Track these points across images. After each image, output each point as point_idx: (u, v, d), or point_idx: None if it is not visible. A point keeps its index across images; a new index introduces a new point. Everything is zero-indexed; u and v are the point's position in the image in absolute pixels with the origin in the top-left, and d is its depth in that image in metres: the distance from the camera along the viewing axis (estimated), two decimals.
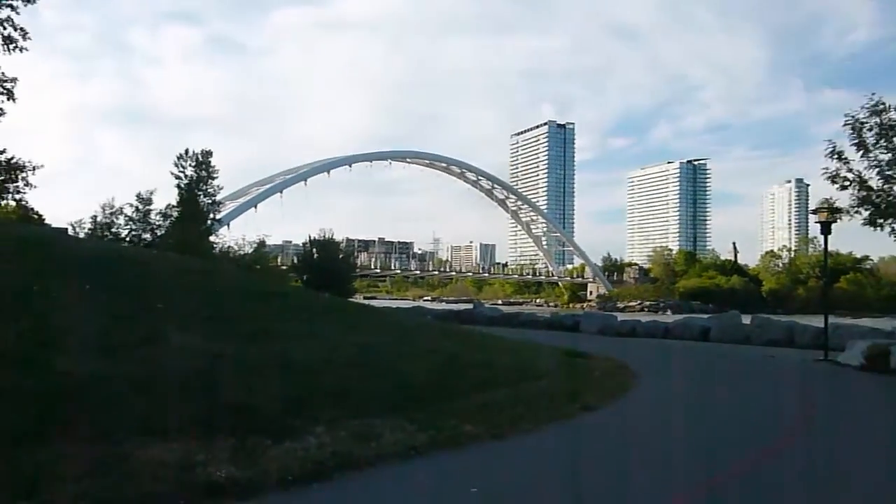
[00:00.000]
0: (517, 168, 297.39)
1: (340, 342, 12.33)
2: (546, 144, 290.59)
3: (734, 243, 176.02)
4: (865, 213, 20.36)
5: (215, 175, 49.77)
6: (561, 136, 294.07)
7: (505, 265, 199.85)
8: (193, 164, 49.73)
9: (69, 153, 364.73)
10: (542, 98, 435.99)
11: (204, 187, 49.77)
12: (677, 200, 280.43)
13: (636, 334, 32.57)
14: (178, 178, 48.59)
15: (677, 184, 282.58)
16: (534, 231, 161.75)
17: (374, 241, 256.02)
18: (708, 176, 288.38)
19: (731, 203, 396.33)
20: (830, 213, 21.50)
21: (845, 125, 20.12)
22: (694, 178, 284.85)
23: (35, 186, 31.35)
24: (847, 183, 20.33)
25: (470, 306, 46.55)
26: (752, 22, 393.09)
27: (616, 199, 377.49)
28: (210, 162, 49.77)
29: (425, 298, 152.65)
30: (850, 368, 18.92)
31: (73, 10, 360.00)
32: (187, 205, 48.22)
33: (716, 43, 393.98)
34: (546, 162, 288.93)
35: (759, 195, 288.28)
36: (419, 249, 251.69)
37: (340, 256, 52.87)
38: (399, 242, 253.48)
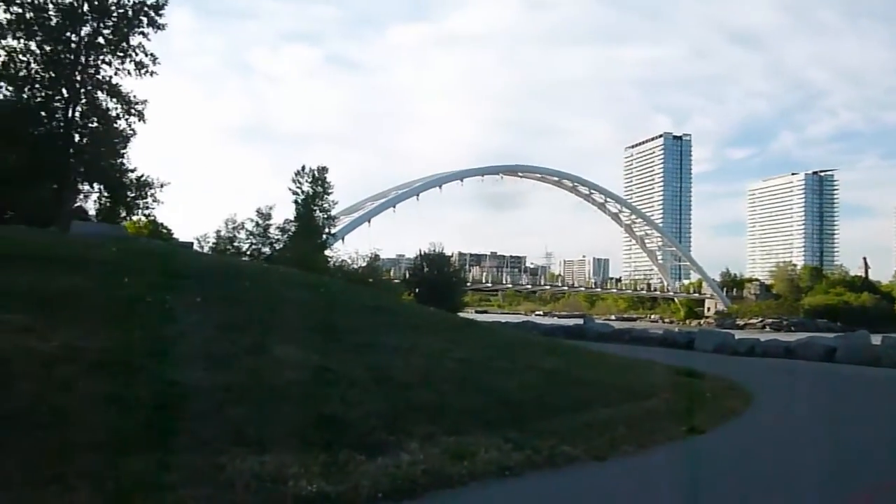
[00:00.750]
0: (631, 181, 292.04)
1: (442, 357, 12.28)
2: (661, 157, 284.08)
3: (865, 258, 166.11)
4: None
5: (330, 191, 51.49)
6: (677, 148, 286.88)
7: (618, 280, 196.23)
8: (310, 180, 51.58)
9: (197, 170, 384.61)
10: (658, 109, 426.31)
11: (319, 202, 51.48)
12: (802, 213, 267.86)
13: (755, 353, 31.11)
14: (295, 193, 50.56)
15: (802, 196, 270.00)
16: (648, 245, 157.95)
17: (487, 256, 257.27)
18: (836, 188, 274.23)
19: (862, 215, 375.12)
20: None
21: None
22: (820, 190, 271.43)
23: (163, 203, 33.19)
24: None
25: (580, 321, 45.74)
26: (881, 22, 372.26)
27: (735, 212, 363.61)
28: (325, 178, 51.50)
29: (537, 313, 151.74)
30: None
31: (201, 34, 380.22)
32: (303, 220, 49.97)
33: (842, 46, 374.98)
34: (661, 175, 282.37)
35: (892, 206, 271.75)
36: (531, 264, 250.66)
37: (450, 270, 53.08)
38: (511, 257, 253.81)
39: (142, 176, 32.45)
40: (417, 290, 50.73)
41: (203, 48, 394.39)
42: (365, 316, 14.38)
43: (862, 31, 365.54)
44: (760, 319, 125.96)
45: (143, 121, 31.23)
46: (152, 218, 39.47)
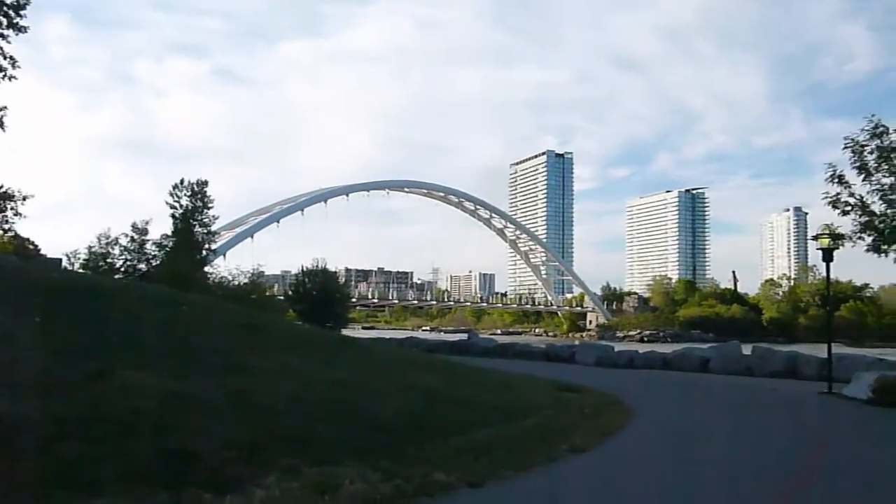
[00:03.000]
0: (516, 197, 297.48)
1: (313, 378, 11.47)
2: (545, 174, 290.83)
3: (734, 272, 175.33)
4: (868, 239, 19.56)
5: (210, 205, 49.14)
6: (559, 166, 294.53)
7: (504, 294, 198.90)
8: (189, 193, 49.30)
9: (76, 185, 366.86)
10: (545, 129, 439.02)
11: (199, 217, 49.28)
12: (676, 229, 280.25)
13: (634, 366, 31.65)
14: (172, 207, 48.13)
15: (676, 212, 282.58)
16: (532, 260, 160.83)
17: (374, 271, 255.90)
18: (707, 205, 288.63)
19: (731, 232, 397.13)
20: (832, 240, 20.75)
21: (845, 148, 19.44)
22: (693, 207, 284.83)
23: (24, 216, 30.73)
24: (848, 208, 19.57)
25: (465, 337, 45.52)
26: (752, 53, 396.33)
27: (617, 228, 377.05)
28: (205, 192, 49.15)
29: (424, 328, 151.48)
30: (858, 402, 18.01)
31: (81, 44, 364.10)
32: (182, 235, 47.67)
33: (717, 74, 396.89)
34: (545, 191, 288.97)
35: (759, 224, 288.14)
36: (419, 279, 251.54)
37: (334, 286, 51.84)
38: (398, 272, 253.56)
39: (0, 187, 29.99)
40: (300, 307, 49.39)
41: (83, 58, 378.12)
42: (232, 336, 13.39)
43: (735, 60, 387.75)
44: (639, 331, 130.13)
45: (3, 129, 28.98)
46: (11, 233, 36.38)
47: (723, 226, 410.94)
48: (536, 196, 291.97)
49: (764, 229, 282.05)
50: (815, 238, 21.20)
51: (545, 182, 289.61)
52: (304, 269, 51.55)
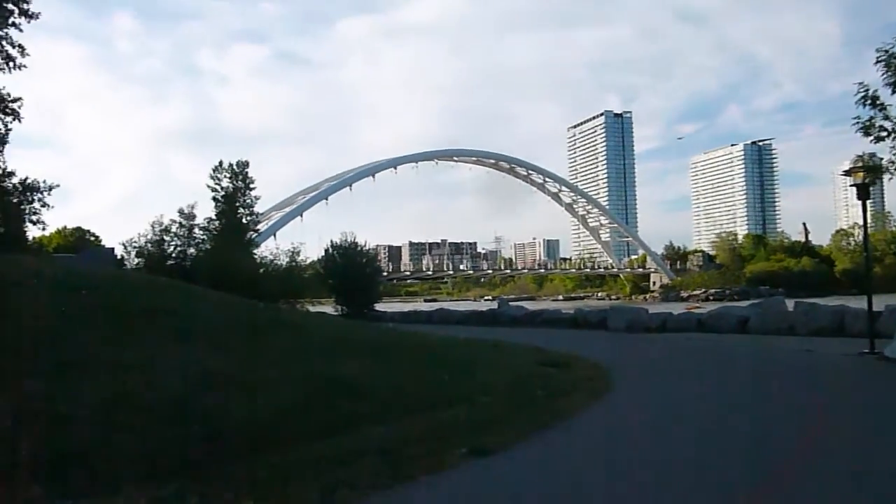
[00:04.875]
0: (575, 161, 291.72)
1: (176, 373, 9.37)
2: (603, 135, 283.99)
3: (804, 224, 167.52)
4: None
5: (252, 186, 48.14)
6: (619, 126, 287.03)
7: (566, 259, 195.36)
8: (229, 175, 48.15)
9: (147, 176, 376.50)
10: (608, 89, 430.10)
11: (241, 199, 48.14)
12: (743, 183, 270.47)
13: (666, 329, 28.87)
14: (214, 190, 47.14)
15: (742, 166, 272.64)
16: (591, 223, 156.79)
17: (437, 244, 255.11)
18: (774, 157, 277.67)
19: (805, 183, 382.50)
20: (868, 173, 17.62)
21: (878, 62, 16.22)
22: (759, 160, 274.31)
23: (52, 207, 29.78)
24: (884, 133, 16.44)
25: (495, 306, 43.17)
26: None
27: (684, 186, 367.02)
28: (247, 173, 48.09)
29: (486, 298, 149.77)
30: None
31: (146, 37, 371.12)
32: (225, 217, 46.68)
33: (784, 20, 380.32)
34: (605, 153, 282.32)
35: (832, 172, 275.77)
36: (483, 249, 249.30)
37: (364, 261, 50.05)
38: (461, 243, 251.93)
39: (25, 179, 29.07)
40: (331, 282, 47.90)
41: (148, 50, 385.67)
42: (118, 324, 11.36)
43: (803, 4, 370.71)
44: (704, 290, 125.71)
45: (19, 120, 28.00)
46: (42, 223, 35.27)
47: (796, 177, 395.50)
48: (596, 158, 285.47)
49: (837, 178, 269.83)
50: (848, 172, 18.06)
51: (604, 143, 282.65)
52: (333, 244, 50.01)
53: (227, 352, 10.90)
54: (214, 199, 47.22)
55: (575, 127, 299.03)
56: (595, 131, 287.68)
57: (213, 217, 46.63)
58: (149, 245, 41.19)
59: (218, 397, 8.84)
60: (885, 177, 17.34)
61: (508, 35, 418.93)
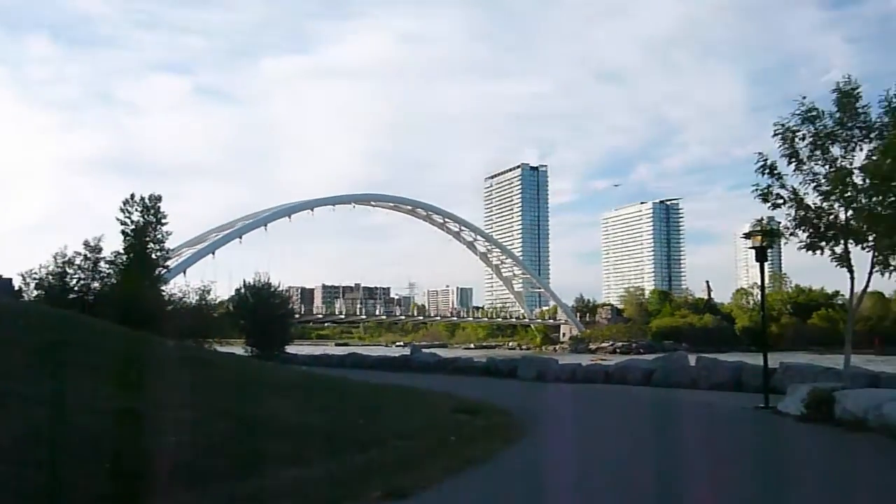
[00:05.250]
0: (491, 211, 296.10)
1: (89, 407, 9.20)
2: (519, 187, 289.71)
3: (707, 282, 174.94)
4: (804, 236, 17.58)
5: (164, 220, 47.02)
6: (535, 179, 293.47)
7: (479, 308, 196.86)
8: (140, 209, 46.99)
9: (56, 204, 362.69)
10: (527, 142, 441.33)
11: (152, 233, 46.98)
12: (651, 240, 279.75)
13: (575, 379, 29.51)
14: (123, 223, 45.85)
15: (651, 224, 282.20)
16: (504, 273, 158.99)
17: (351, 287, 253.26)
18: (681, 216, 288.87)
19: (709, 242, 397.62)
20: (765, 237, 18.78)
21: (775, 135, 17.45)
22: (667, 218, 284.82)
23: None
24: (780, 201, 17.59)
25: (407, 352, 43.27)
26: (731, 64, 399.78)
27: (595, 240, 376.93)
28: (159, 207, 46.97)
29: (398, 344, 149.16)
30: (790, 418, 15.95)
31: (61, 63, 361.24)
32: (134, 251, 45.41)
33: (696, 85, 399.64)
34: (520, 205, 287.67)
35: (733, 233, 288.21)
36: (396, 294, 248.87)
37: (277, 301, 49.43)
38: (376, 288, 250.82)
39: None
40: (243, 322, 47.07)
41: (63, 76, 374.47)
42: (17, 359, 11.03)
43: (714, 71, 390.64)
44: (611, 343, 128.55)
45: None
46: None
47: (701, 236, 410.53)
48: (512, 209, 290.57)
49: (738, 239, 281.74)
50: (748, 236, 19.21)
51: (520, 195, 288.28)
52: (246, 283, 49.29)
53: (139, 388, 10.73)
54: (124, 232, 46.05)
55: (492, 177, 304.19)
56: (511, 183, 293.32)
57: (122, 251, 45.45)
58: (50, 277, 39.70)
59: (130, 434, 8.73)
60: (782, 240, 18.46)
61: (435, 83, 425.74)
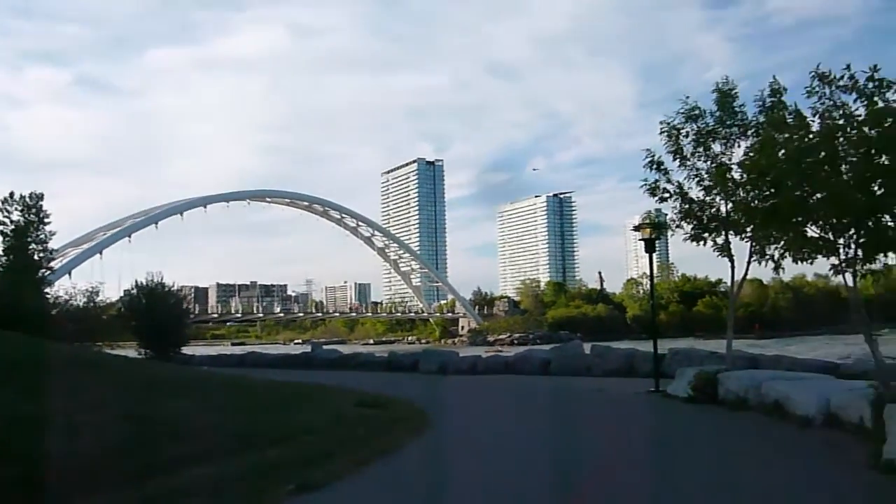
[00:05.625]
0: (388, 206, 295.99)
1: None
2: (416, 182, 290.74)
3: (600, 273, 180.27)
4: (688, 228, 18.55)
5: (48, 220, 44.96)
6: (431, 173, 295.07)
7: (378, 304, 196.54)
8: (21, 208, 44.80)
9: None
10: (422, 136, 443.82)
11: (34, 234, 44.85)
12: (546, 233, 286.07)
13: (476, 371, 30.13)
14: (2, 223, 43.58)
15: (545, 217, 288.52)
16: (402, 268, 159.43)
17: (247, 285, 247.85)
18: (574, 208, 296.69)
19: (601, 233, 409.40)
20: (653, 230, 19.76)
21: (661, 132, 18.32)
22: (561, 211, 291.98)
23: None
24: (667, 195, 18.51)
25: (308, 350, 43.04)
26: (619, 60, 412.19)
27: (492, 234, 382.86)
28: (41, 206, 44.91)
29: (296, 341, 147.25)
30: (678, 400, 16.91)
31: None
32: (14, 252, 43.25)
33: (587, 80, 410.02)
34: (416, 199, 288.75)
35: (623, 225, 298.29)
36: (293, 292, 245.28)
37: (172, 302, 48.09)
38: (272, 286, 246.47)
39: None
40: (135, 324, 45.60)
41: None
42: None
43: (603, 67, 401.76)
44: (509, 335, 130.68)
45: None
46: None
47: (593, 228, 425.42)
48: (409, 204, 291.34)
49: (629, 231, 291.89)
50: (637, 228, 20.19)
51: (416, 190, 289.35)
52: (138, 283, 47.79)
53: (36, 393, 10.45)
54: (2, 232, 43.93)
55: (388, 172, 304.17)
56: (408, 177, 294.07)
57: (0, 252, 43.36)
58: None
59: (29, 440, 8.55)
60: (669, 232, 19.42)
61: (328, 75, 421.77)
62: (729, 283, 19.92)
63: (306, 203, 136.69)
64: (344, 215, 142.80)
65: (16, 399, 9.98)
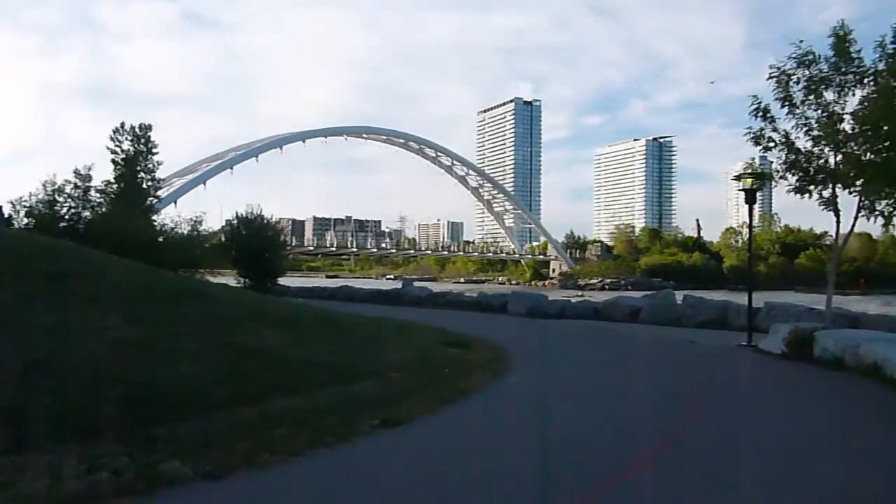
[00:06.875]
0: (483, 146, 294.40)
1: (89, 338, 9.52)
2: (512, 122, 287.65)
3: (697, 220, 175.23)
4: (793, 179, 17.79)
5: (155, 150, 46.85)
6: (528, 113, 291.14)
7: (470, 242, 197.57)
8: (130, 138, 46.75)
9: (37, 131, 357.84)
10: (519, 76, 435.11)
11: (142, 163, 46.86)
12: (643, 177, 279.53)
13: (564, 315, 30.16)
14: (114, 152, 45.69)
15: (643, 161, 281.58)
16: (496, 208, 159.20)
17: (342, 220, 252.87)
18: (674, 153, 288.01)
19: (700, 180, 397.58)
20: (755, 180, 19.06)
21: (770, 78, 17.48)
22: (660, 155, 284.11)
23: None
24: (772, 144, 17.74)
25: (399, 286, 43.81)
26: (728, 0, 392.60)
27: (588, 176, 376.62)
28: (149, 136, 46.75)
29: (388, 277, 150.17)
30: (771, 356, 16.49)
31: None
32: (125, 181, 45.34)
33: (691, 20, 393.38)
34: (512, 139, 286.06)
35: (725, 172, 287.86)
36: (387, 228, 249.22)
37: (269, 234, 49.58)
38: (367, 221, 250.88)
39: None
40: (234, 254, 47.28)
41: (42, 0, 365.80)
42: (24, 287, 11.31)
43: (709, 6, 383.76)
44: (601, 279, 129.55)
45: None
46: None
47: (693, 174, 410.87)
48: (504, 144, 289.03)
49: (729, 178, 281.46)
50: (738, 178, 19.50)
51: (513, 130, 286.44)
52: (239, 215, 49.35)
53: (142, 319, 11.05)
54: (114, 161, 45.89)
55: (485, 112, 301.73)
56: (504, 117, 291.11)
57: (112, 180, 45.38)
58: (40, 205, 39.69)
59: (138, 363, 9.08)
60: (772, 183, 18.70)
61: (423, 13, 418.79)
62: (833, 237, 19.13)
63: (402, 140, 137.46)
64: (439, 153, 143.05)
65: (123, 324, 10.57)
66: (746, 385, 13.30)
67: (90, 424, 7.18)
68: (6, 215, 41.65)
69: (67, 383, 7.97)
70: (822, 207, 17.45)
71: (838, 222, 17.67)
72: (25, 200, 39.12)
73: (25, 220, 38.79)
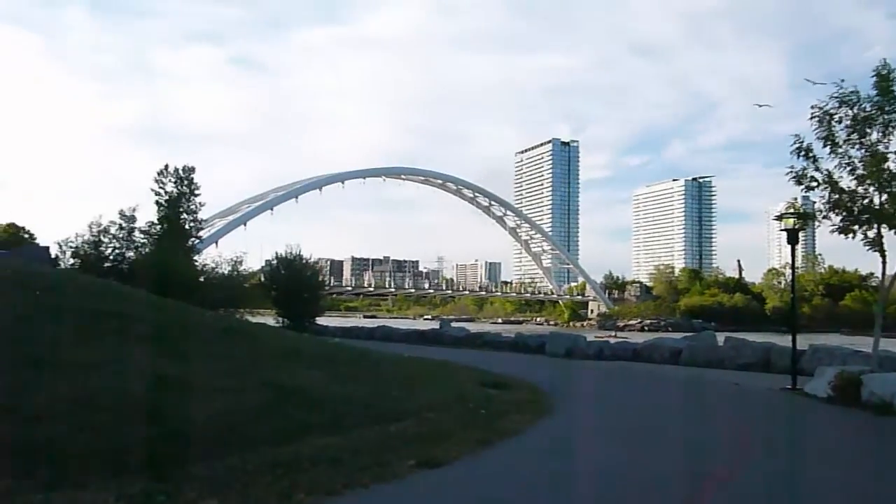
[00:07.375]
0: (521, 186, 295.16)
1: (132, 375, 9.65)
2: (550, 162, 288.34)
3: (738, 261, 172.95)
4: (836, 219, 17.52)
5: (197, 192, 47.94)
6: (566, 154, 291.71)
7: (507, 283, 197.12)
8: (174, 179, 47.84)
9: (94, 173, 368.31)
10: (559, 116, 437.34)
11: (185, 204, 47.84)
12: (682, 218, 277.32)
13: (603, 356, 29.80)
14: (157, 193, 46.80)
15: (682, 201, 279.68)
16: (533, 249, 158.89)
17: (380, 260, 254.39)
18: (713, 193, 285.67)
19: (741, 220, 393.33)
20: (797, 220, 18.80)
21: (812, 118, 17.34)
22: (699, 196, 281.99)
23: None
24: (815, 184, 17.53)
25: (436, 326, 43.78)
26: (772, 39, 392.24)
27: (626, 217, 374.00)
28: (192, 178, 47.87)
29: (426, 317, 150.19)
30: (815, 400, 16.08)
31: (100, 33, 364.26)
32: (168, 222, 46.31)
33: (735, 60, 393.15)
34: (550, 180, 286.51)
35: (767, 212, 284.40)
36: (424, 268, 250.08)
37: (308, 273, 50.02)
38: (404, 261, 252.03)
39: None
40: (274, 293, 47.73)
41: (100, 45, 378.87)
42: (73, 324, 11.54)
43: (754, 46, 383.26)
44: (640, 320, 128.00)
45: None
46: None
47: (734, 215, 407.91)
48: (542, 185, 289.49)
49: (771, 217, 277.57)
50: (779, 218, 19.24)
51: (550, 170, 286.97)
52: (278, 255, 49.93)
53: (185, 357, 11.18)
54: (157, 202, 46.92)
55: (523, 152, 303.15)
56: (542, 158, 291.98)
57: (155, 221, 46.35)
58: (85, 245, 40.59)
59: (178, 400, 9.15)
60: (815, 223, 18.43)
61: (467, 54, 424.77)
62: (879, 278, 18.72)
63: (440, 181, 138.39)
64: (477, 194, 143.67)
65: (163, 361, 10.70)
66: (793, 430, 12.97)
67: (129, 461, 7.24)
68: (53, 255, 42.76)
69: (107, 420, 8.07)
70: (868, 248, 17.13)
71: (884, 262, 17.33)
72: (72, 241, 40.11)
73: (72, 261, 39.76)
